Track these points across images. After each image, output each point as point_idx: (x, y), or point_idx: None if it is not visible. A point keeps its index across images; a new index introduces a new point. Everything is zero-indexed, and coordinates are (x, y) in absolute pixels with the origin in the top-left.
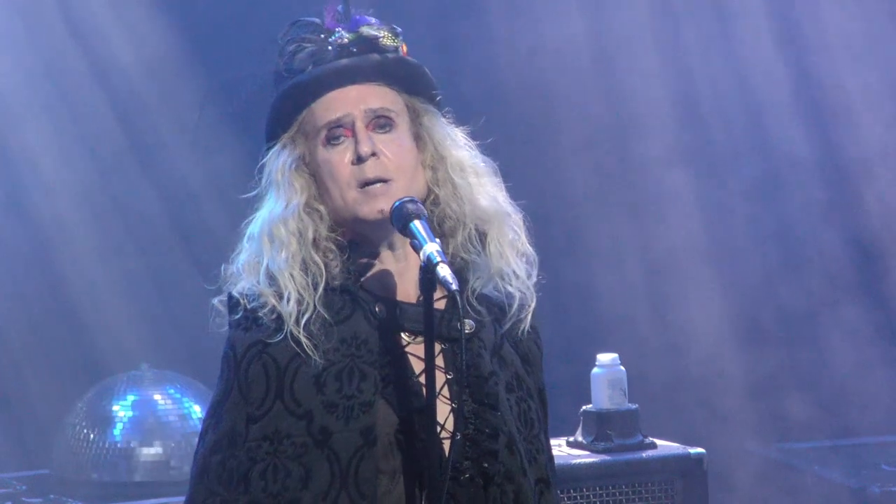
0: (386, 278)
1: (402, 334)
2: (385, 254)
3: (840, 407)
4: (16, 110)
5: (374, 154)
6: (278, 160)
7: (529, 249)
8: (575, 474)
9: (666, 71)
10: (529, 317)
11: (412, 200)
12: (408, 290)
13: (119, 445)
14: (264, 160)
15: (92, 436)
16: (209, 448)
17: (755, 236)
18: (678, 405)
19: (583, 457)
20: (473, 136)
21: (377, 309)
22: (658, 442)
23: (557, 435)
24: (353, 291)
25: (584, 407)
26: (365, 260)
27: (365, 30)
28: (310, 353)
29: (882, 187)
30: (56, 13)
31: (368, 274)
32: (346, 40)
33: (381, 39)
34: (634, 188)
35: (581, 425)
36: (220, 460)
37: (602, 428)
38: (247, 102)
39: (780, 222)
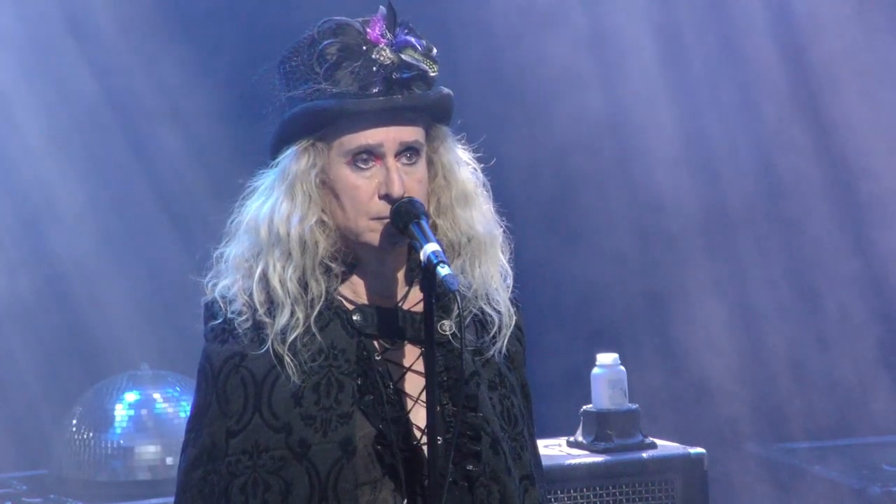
0: (365, 285)
1: (381, 340)
2: (365, 264)
3: (840, 407)
4: (15, 110)
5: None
6: (298, 164)
7: (508, 268)
8: (575, 474)
9: (668, 77)
10: (506, 340)
11: (412, 201)
12: (387, 295)
13: (119, 445)
14: (281, 157)
15: (92, 436)
16: (190, 462)
17: (756, 235)
18: (678, 405)
19: (583, 457)
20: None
21: (355, 317)
22: (658, 442)
23: (557, 435)
24: (331, 299)
25: (584, 407)
26: (343, 268)
27: (409, 55)
28: (290, 372)
29: (887, 203)
30: (57, 15)
31: (347, 281)
32: (389, 61)
33: (428, 73)
34: (636, 188)
35: (581, 425)
36: (201, 475)
37: (602, 428)
38: (255, 86)
39: (780, 220)
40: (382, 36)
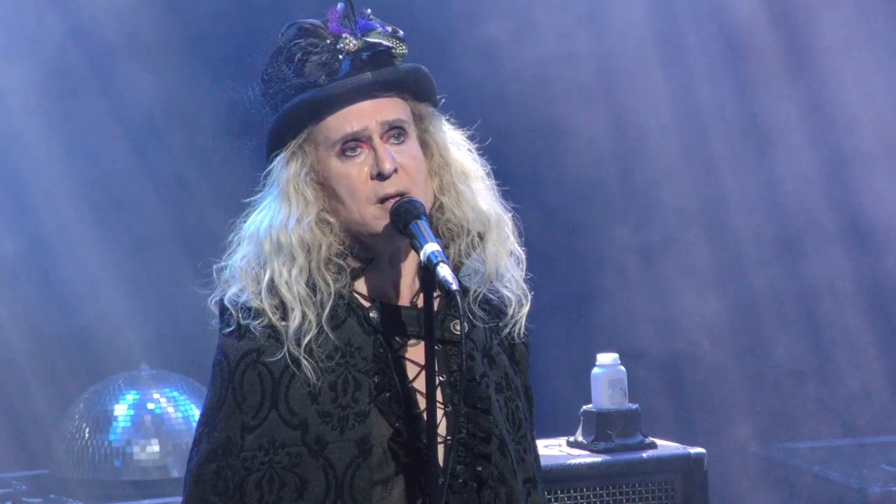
0: (379, 282)
1: (396, 338)
2: (381, 259)
3: (840, 407)
4: (16, 111)
5: (395, 170)
6: (288, 169)
7: (519, 250)
8: (575, 474)
9: (668, 82)
10: (524, 318)
11: (411, 201)
12: (401, 293)
13: (118, 445)
14: (271, 167)
15: (91, 435)
16: (204, 457)
17: (755, 236)
18: (678, 405)
19: (583, 457)
20: (472, 135)
21: (371, 314)
22: (658, 442)
23: (557, 435)
24: (346, 296)
25: (584, 407)
26: (358, 264)
27: (373, 37)
28: (308, 374)
29: (878, 178)
30: (56, 15)
31: (362, 278)
32: (354, 47)
33: (393, 50)
34: (636, 188)
35: (581, 425)
36: (215, 469)
37: (602, 428)
38: (249, 112)
39: (780, 223)
40: (344, 26)
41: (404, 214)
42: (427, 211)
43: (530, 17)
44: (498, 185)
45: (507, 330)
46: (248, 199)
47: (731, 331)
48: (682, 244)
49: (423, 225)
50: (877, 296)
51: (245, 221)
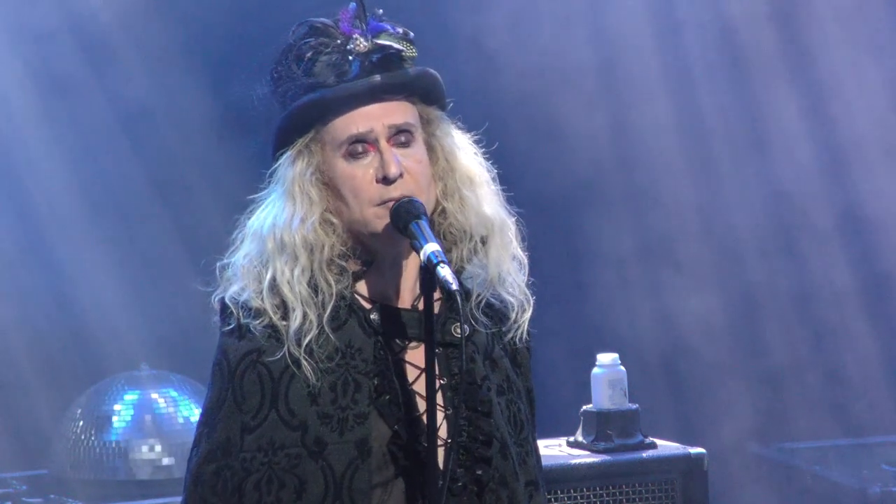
0: (380, 284)
1: (397, 340)
2: (382, 261)
3: (840, 406)
4: (15, 110)
5: (400, 174)
6: (294, 168)
7: (521, 255)
8: (575, 474)
9: (667, 81)
10: (527, 323)
11: (412, 201)
12: (402, 295)
13: (118, 445)
14: (276, 165)
15: (91, 435)
16: (203, 457)
17: (755, 235)
18: (678, 405)
19: (583, 457)
20: (479, 139)
21: (372, 316)
22: (658, 442)
23: (557, 435)
24: (348, 297)
25: (584, 407)
26: (359, 266)
27: (384, 39)
28: (307, 374)
29: (876, 176)
30: (54, 10)
31: (363, 280)
32: (364, 48)
33: (403, 53)
34: (635, 188)
35: (581, 425)
36: (215, 470)
37: (602, 428)
38: (259, 111)
39: (778, 221)
40: (355, 27)
41: (405, 214)
42: (428, 214)
43: (530, 17)
44: (502, 188)
45: (509, 335)
46: (252, 196)
47: (731, 330)
48: (682, 243)
49: (423, 225)
50: (876, 294)
51: (249, 218)
